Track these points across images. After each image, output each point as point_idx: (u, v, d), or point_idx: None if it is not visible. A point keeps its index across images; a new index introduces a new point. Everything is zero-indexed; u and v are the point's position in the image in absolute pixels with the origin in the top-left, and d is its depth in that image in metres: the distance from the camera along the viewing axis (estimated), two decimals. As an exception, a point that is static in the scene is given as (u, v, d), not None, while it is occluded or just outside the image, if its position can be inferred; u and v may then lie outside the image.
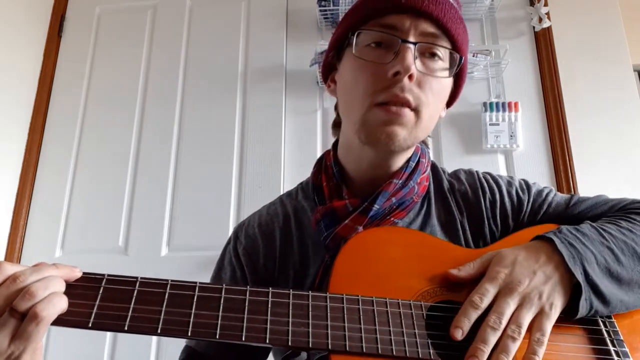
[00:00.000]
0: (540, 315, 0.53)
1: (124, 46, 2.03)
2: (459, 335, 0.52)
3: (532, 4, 1.84)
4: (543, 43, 1.80)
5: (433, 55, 0.64)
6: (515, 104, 1.71)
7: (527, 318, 0.52)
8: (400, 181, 0.68)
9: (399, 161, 0.70)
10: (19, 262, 1.79)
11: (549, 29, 1.80)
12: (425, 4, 0.62)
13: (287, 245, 0.73)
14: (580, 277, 0.54)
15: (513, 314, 0.53)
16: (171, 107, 1.90)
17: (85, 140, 1.92)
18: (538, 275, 0.55)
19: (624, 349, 0.55)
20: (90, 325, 0.49)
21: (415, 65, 0.61)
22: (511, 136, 1.68)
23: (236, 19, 1.99)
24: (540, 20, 1.79)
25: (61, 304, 0.48)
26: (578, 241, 0.58)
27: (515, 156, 1.70)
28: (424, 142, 0.76)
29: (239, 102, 1.87)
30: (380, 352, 0.51)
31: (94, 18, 2.09)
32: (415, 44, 0.62)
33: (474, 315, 0.53)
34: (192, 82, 1.93)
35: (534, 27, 1.82)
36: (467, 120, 1.73)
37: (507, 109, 1.70)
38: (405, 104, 0.61)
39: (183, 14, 2.03)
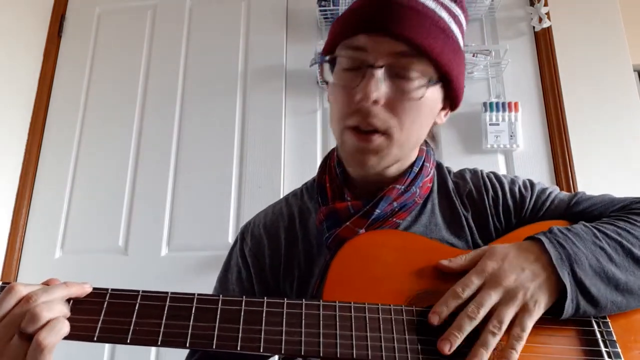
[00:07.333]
0: (522, 311, 0.53)
1: (124, 46, 2.03)
2: (436, 321, 0.53)
3: (532, 4, 1.83)
4: (543, 43, 1.80)
5: (404, 75, 0.60)
6: (515, 104, 1.71)
7: (508, 314, 0.52)
8: (403, 187, 0.69)
9: (397, 168, 0.70)
10: (19, 262, 1.79)
11: (549, 29, 1.80)
12: (393, 22, 0.59)
13: (292, 245, 0.74)
14: (566, 278, 0.54)
15: (496, 309, 0.53)
16: (171, 107, 1.90)
17: (85, 140, 1.92)
18: (525, 273, 0.55)
19: (616, 349, 0.54)
20: (95, 339, 0.52)
21: (380, 90, 0.59)
22: (511, 136, 1.68)
23: (236, 19, 1.99)
24: (540, 20, 1.79)
25: (63, 330, 0.51)
26: (568, 241, 0.57)
27: (515, 156, 1.70)
28: (428, 144, 0.76)
29: (239, 102, 1.87)
30: (370, 357, 0.53)
31: (94, 18, 2.09)
32: (381, 67, 0.59)
33: (453, 304, 0.54)
34: (192, 82, 1.93)
35: (534, 27, 1.82)
36: (467, 120, 1.73)
37: (507, 109, 1.70)
38: (371, 130, 0.61)
39: (183, 14, 2.03)
